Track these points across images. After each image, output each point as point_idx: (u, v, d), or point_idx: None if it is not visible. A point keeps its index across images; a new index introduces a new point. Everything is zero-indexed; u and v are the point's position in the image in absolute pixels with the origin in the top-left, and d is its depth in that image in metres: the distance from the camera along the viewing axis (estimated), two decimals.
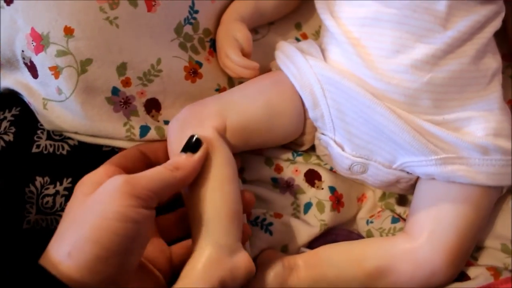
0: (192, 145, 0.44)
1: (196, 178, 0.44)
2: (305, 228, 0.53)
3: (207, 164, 0.44)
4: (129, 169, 0.45)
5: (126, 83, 0.50)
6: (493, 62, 0.50)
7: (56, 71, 0.48)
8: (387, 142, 0.48)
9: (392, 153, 0.49)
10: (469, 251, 0.49)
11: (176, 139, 0.47)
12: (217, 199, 0.43)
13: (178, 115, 0.49)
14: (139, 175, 0.40)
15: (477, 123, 0.47)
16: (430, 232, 0.47)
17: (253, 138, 0.51)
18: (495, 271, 0.48)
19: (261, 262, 0.49)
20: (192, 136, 0.44)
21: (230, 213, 0.43)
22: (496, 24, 0.50)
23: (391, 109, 0.47)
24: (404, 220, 0.54)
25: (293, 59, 0.51)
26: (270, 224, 0.53)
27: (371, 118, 0.47)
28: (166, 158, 0.49)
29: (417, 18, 0.47)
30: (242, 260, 0.42)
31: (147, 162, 0.49)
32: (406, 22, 0.47)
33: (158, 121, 0.52)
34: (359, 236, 0.55)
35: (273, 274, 0.47)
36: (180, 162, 0.42)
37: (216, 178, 0.44)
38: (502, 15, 0.51)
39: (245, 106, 0.49)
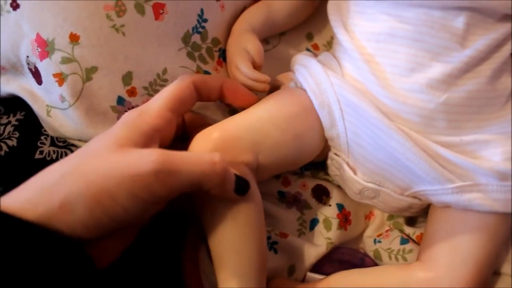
0: (242, 188, 0.40)
1: (228, 225, 0.41)
2: (312, 249, 0.51)
3: (241, 210, 0.41)
4: (180, 112, 0.43)
5: (132, 92, 0.49)
6: (510, 82, 0.49)
7: (60, 78, 0.47)
8: (402, 170, 0.47)
9: (405, 180, 0.47)
10: (487, 279, 0.47)
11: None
12: (251, 249, 0.42)
13: (199, 143, 0.44)
14: (180, 164, 0.36)
15: (494, 147, 0.46)
16: (448, 263, 0.45)
17: (279, 170, 0.50)
18: None
19: None
20: (247, 185, 0.41)
21: (261, 261, 0.42)
22: None
23: (407, 135, 0.45)
24: (414, 241, 0.52)
25: (314, 74, 0.49)
26: (275, 243, 0.51)
27: (387, 145, 0.45)
28: (218, 93, 0.46)
29: (433, 35, 0.46)
30: None
31: (198, 98, 0.45)
32: (422, 39, 0.46)
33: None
34: (364, 255, 0.54)
35: None
36: (228, 174, 0.38)
37: (250, 226, 0.42)
38: None
39: (277, 140, 0.46)
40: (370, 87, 0.47)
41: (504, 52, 0.48)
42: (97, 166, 0.35)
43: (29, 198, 0.34)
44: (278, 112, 0.47)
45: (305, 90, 0.49)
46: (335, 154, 0.50)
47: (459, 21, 0.45)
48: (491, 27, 0.47)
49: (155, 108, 0.40)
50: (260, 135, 0.45)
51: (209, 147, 0.43)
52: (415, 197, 0.48)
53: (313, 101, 0.48)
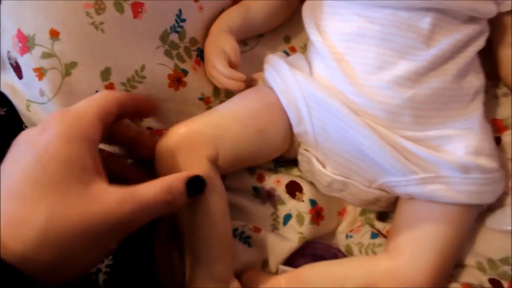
0: (196, 190, 0.42)
1: (192, 212, 0.45)
2: (284, 243, 0.52)
3: (203, 198, 0.45)
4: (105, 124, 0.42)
5: (110, 88, 0.50)
6: (476, 80, 0.51)
7: (40, 72, 0.48)
8: (368, 162, 0.48)
9: (372, 173, 0.49)
10: (449, 269, 0.48)
11: (167, 167, 0.46)
12: (214, 234, 0.45)
13: (167, 138, 0.47)
14: (139, 190, 0.38)
15: (458, 141, 0.47)
16: (411, 251, 0.47)
17: (243, 163, 0.52)
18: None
19: (244, 283, 0.49)
20: (203, 183, 0.43)
21: (224, 247, 0.46)
22: (480, 43, 0.51)
23: (373, 129, 0.47)
24: (384, 235, 0.54)
25: (281, 73, 0.51)
26: (249, 237, 0.52)
27: (354, 138, 0.47)
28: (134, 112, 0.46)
29: (400, 35, 0.48)
30: None
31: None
32: (390, 39, 0.48)
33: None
34: (337, 251, 0.55)
35: None
36: (179, 199, 0.40)
37: (213, 214, 0.45)
38: (486, 35, 0.51)
39: (238, 135, 0.48)
40: (339, 85, 0.49)
41: (469, 52, 0.50)
42: (75, 216, 0.35)
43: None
44: (241, 108, 0.50)
45: (272, 89, 0.51)
46: (305, 149, 0.52)
47: (425, 21, 0.47)
48: (456, 28, 0.49)
49: (89, 119, 0.39)
50: (222, 129, 0.48)
51: (174, 141, 0.46)
52: (381, 189, 0.50)
53: (281, 99, 0.50)
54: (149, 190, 0.38)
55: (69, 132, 0.37)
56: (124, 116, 0.45)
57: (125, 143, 0.46)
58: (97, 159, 0.38)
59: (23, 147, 0.37)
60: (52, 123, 0.37)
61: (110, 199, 0.36)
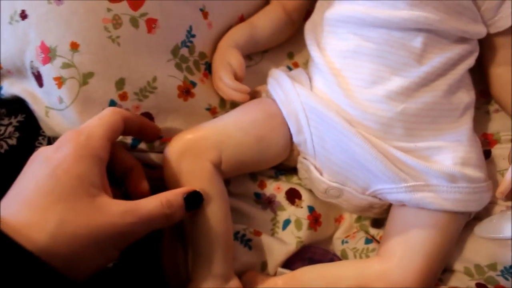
0: (194, 204, 0.47)
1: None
2: (282, 247, 0.55)
3: (206, 200, 0.49)
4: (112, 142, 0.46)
5: (123, 97, 0.54)
6: (466, 97, 0.54)
7: (60, 81, 0.52)
8: (362, 170, 0.51)
9: (365, 180, 0.52)
10: (437, 273, 0.51)
11: (173, 171, 0.50)
12: (216, 235, 0.49)
13: (174, 143, 0.51)
14: (141, 204, 0.42)
15: (446, 152, 0.50)
16: (401, 255, 0.49)
17: (245, 168, 0.55)
18: None
19: (244, 283, 0.52)
20: (200, 198, 0.47)
21: (225, 247, 0.49)
22: (470, 62, 0.54)
23: (366, 139, 0.50)
24: (377, 241, 0.56)
25: (283, 86, 0.55)
26: (250, 240, 0.55)
27: (348, 147, 0.50)
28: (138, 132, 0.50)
29: (394, 53, 0.51)
30: (235, 286, 0.50)
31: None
32: (384, 56, 0.51)
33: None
34: (334, 256, 0.57)
35: None
36: (177, 213, 0.44)
37: (215, 215, 0.49)
38: (476, 54, 0.55)
39: (240, 141, 0.52)
40: (336, 98, 0.52)
41: (459, 70, 0.53)
42: (82, 225, 0.38)
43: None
44: (243, 117, 0.54)
45: (274, 100, 0.55)
46: (304, 158, 0.55)
47: (417, 41, 0.51)
48: (446, 48, 0.52)
49: (99, 139, 0.43)
50: (225, 136, 0.52)
51: (180, 146, 0.50)
52: (374, 196, 0.53)
53: (282, 110, 0.54)
54: (149, 204, 0.42)
55: (80, 151, 0.41)
56: (129, 134, 0.50)
57: (121, 171, 0.49)
58: (104, 176, 0.42)
59: (38, 162, 0.41)
60: (66, 142, 0.42)
61: (114, 211, 0.40)
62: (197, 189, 0.46)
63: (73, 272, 0.37)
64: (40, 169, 0.40)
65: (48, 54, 0.52)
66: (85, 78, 0.52)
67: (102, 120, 0.45)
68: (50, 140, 0.57)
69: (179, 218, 0.45)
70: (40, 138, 0.58)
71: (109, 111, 0.46)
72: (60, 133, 0.54)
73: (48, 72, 0.52)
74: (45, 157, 0.41)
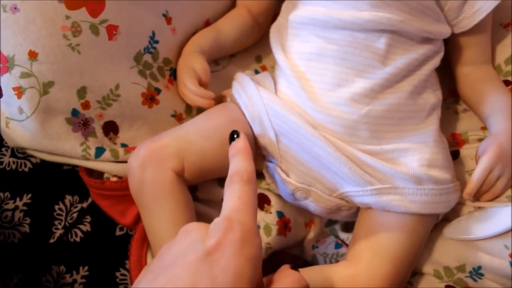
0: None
1: (159, 222, 0.49)
2: None
3: (169, 208, 0.49)
4: None
5: (86, 105, 0.53)
6: (432, 97, 0.53)
7: (19, 91, 0.51)
8: (327, 172, 0.51)
9: (332, 182, 0.51)
10: (406, 277, 0.50)
11: (137, 180, 0.50)
12: None
13: (136, 153, 0.51)
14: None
15: (412, 154, 0.50)
16: (368, 260, 0.49)
17: (209, 174, 0.55)
18: None
19: None
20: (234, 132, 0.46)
21: None
22: (435, 62, 0.54)
23: (330, 142, 0.49)
24: (347, 245, 0.56)
25: (247, 90, 0.54)
26: None
27: (312, 150, 0.50)
28: None
29: (357, 54, 0.50)
30: None
31: None
32: (347, 58, 0.51)
33: (115, 144, 0.55)
34: (304, 262, 0.57)
35: None
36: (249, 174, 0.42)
37: (178, 223, 0.48)
38: (441, 54, 0.54)
39: (202, 147, 0.51)
40: (299, 101, 0.51)
41: (425, 70, 0.53)
42: None
43: None
44: (205, 123, 0.53)
45: (238, 104, 0.54)
46: (269, 161, 0.54)
47: (381, 42, 0.51)
48: (410, 48, 0.52)
49: (251, 229, 0.39)
50: (186, 142, 0.51)
51: (142, 155, 0.50)
52: (342, 199, 0.52)
53: (246, 114, 0.53)
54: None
55: (243, 254, 0.37)
56: None
57: None
58: (260, 275, 0.39)
59: (193, 248, 0.37)
60: (225, 239, 0.37)
61: None
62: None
63: None
64: (194, 255, 0.36)
65: (6, 63, 0.50)
66: (46, 88, 0.51)
67: (243, 200, 0.40)
68: (14, 151, 0.56)
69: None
70: (3, 149, 0.57)
71: (242, 182, 0.42)
72: (21, 145, 0.53)
73: (7, 82, 0.51)
74: (205, 253, 0.36)
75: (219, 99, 0.58)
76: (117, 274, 0.55)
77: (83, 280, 0.55)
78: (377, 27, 0.50)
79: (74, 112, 0.53)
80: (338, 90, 0.50)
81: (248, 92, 0.54)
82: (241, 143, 0.45)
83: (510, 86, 0.58)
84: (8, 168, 0.56)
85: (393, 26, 0.50)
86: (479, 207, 0.52)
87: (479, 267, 0.49)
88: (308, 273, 0.51)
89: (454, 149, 0.56)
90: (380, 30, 0.50)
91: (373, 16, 0.49)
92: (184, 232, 0.39)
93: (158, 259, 0.38)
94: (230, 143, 0.46)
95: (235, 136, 0.46)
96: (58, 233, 0.56)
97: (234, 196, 0.41)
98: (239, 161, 0.43)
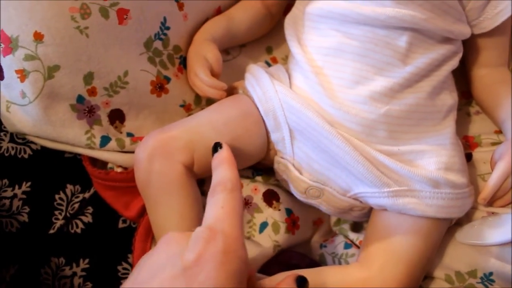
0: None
1: (166, 215, 0.47)
2: (259, 251, 0.53)
3: (176, 202, 0.47)
4: None
5: (92, 92, 0.51)
6: (449, 99, 0.52)
7: (22, 74, 0.48)
8: (343, 172, 0.50)
9: (347, 182, 0.50)
10: (419, 280, 0.50)
11: (144, 172, 0.48)
12: None
13: (145, 143, 0.49)
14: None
15: (430, 156, 0.49)
16: (382, 263, 0.48)
17: None
18: None
19: None
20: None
21: None
22: (453, 63, 0.53)
23: (348, 141, 0.48)
24: (357, 246, 0.55)
25: (261, 83, 0.53)
26: None
27: (328, 148, 0.48)
28: None
29: (378, 52, 0.49)
30: None
31: None
32: (367, 55, 0.49)
33: (121, 133, 0.53)
34: (311, 260, 0.56)
35: None
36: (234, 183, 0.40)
37: (185, 217, 0.47)
38: (460, 55, 0.53)
39: (212, 141, 0.48)
40: (316, 97, 0.50)
41: (443, 71, 0.52)
42: None
43: None
44: (217, 116, 0.51)
45: (251, 97, 0.53)
46: (281, 157, 0.53)
47: (402, 40, 0.49)
48: (431, 48, 0.51)
49: (236, 240, 0.37)
50: (197, 135, 0.49)
51: (151, 146, 0.48)
52: (356, 199, 0.51)
53: (259, 107, 0.52)
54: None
55: (224, 268, 0.35)
56: None
57: None
58: (245, 280, 0.37)
59: (171, 262, 0.35)
60: (206, 253, 0.35)
61: None
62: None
63: None
64: (171, 272, 0.34)
65: (9, 44, 0.48)
66: (51, 72, 0.49)
67: (226, 209, 0.38)
68: (13, 136, 0.54)
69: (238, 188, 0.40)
70: (1, 134, 0.54)
71: (226, 192, 0.39)
72: (23, 130, 0.51)
73: (9, 64, 0.49)
74: (183, 268, 0.34)
75: (230, 91, 0.56)
76: (119, 268, 0.54)
77: (83, 273, 0.53)
78: (400, 24, 0.48)
79: (80, 99, 0.50)
80: (357, 88, 0.49)
81: (262, 85, 0.52)
82: (224, 153, 0.43)
83: None
84: (6, 154, 0.54)
85: (416, 24, 0.48)
86: (492, 213, 0.51)
87: (491, 273, 0.48)
88: (320, 274, 0.50)
89: (466, 152, 0.56)
90: (402, 27, 0.49)
91: (396, 12, 0.48)
92: (164, 243, 0.37)
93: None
94: (213, 154, 0.44)
95: (218, 147, 0.44)
96: (58, 223, 0.54)
97: (217, 205, 0.39)
98: (222, 171, 0.41)
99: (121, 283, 0.52)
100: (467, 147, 0.58)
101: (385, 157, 0.48)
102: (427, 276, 0.52)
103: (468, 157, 0.56)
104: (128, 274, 0.54)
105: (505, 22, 0.54)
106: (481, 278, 0.49)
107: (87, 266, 0.53)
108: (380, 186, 0.48)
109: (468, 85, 0.60)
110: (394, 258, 0.47)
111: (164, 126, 0.51)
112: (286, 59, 0.64)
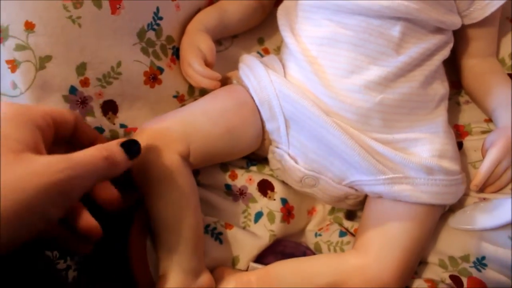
0: (132, 150, 0.42)
1: (163, 206, 0.47)
2: (255, 240, 0.54)
3: (174, 192, 0.47)
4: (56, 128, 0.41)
5: (85, 83, 0.50)
6: (441, 88, 0.53)
7: (13, 64, 0.47)
8: (339, 160, 0.50)
9: (343, 170, 0.51)
10: (414, 266, 0.51)
11: (140, 162, 0.46)
12: (184, 228, 0.46)
13: (140, 134, 0.48)
14: (75, 153, 0.37)
15: (423, 144, 0.50)
16: (378, 249, 0.49)
17: (214, 159, 0.53)
18: (432, 283, 0.51)
19: (215, 280, 0.50)
20: (136, 143, 0.42)
21: (195, 240, 0.47)
22: (445, 53, 0.54)
23: (343, 129, 0.48)
24: (352, 234, 0.55)
25: (256, 72, 0.53)
26: (220, 233, 0.53)
27: (324, 137, 0.49)
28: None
29: (372, 41, 0.50)
30: (206, 280, 0.48)
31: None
32: (362, 45, 0.50)
33: (114, 124, 0.52)
34: (306, 249, 0.56)
35: None
36: (117, 156, 0.40)
37: (182, 207, 0.47)
38: (451, 45, 0.54)
39: (208, 132, 0.50)
40: (311, 86, 0.50)
41: (435, 61, 0.53)
42: (5, 181, 0.34)
43: None
44: (212, 106, 0.51)
45: (245, 87, 0.53)
46: (276, 147, 0.53)
47: (395, 30, 0.50)
48: (423, 38, 0.51)
49: (40, 109, 0.39)
50: (192, 126, 0.49)
51: (146, 137, 0.47)
52: (351, 187, 0.52)
53: (254, 97, 0.52)
54: (86, 151, 0.38)
55: (11, 112, 0.37)
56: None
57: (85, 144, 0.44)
58: (38, 142, 0.38)
59: None
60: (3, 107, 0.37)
61: (40, 161, 0.35)
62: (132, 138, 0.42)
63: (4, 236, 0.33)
64: None
65: None
66: (42, 62, 0.48)
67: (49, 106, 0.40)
68: None
69: (121, 164, 0.40)
70: None
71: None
72: None
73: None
74: None
75: (224, 81, 0.56)
76: (114, 261, 0.53)
77: (78, 267, 0.53)
78: (393, 14, 0.49)
79: (72, 90, 0.50)
80: (352, 77, 0.49)
81: (257, 74, 0.52)
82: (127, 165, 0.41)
83: None
84: None
85: (409, 14, 0.49)
86: (484, 198, 0.52)
87: (483, 257, 0.49)
88: (315, 262, 0.51)
89: (457, 141, 0.56)
90: (396, 17, 0.50)
91: (390, 3, 0.48)
92: None
93: None
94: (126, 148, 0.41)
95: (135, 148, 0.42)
96: None
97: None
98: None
99: (115, 276, 0.52)
100: (458, 135, 0.59)
101: (380, 145, 0.48)
102: (421, 261, 0.53)
103: (459, 145, 0.57)
104: (123, 267, 0.53)
105: (494, 13, 0.55)
106: (474, 262, 0.50)
107: (82, 259, 0.53)
108: (375, 174, 0.48)
109: (457, 75, 0.61)
110: (390, 244, 0.48)
111: (157, 117, 0.51)
112: (278, 50, 0.64)
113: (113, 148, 0.40)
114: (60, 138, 0.42)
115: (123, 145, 0.41)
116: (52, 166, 0.35)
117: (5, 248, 0.34)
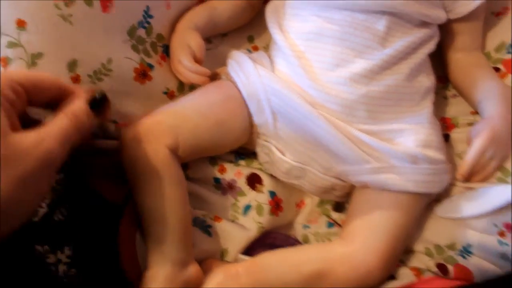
0: (97, 102, 0.42)
1: (152, 198, 0.48)
2: (244, 233, 0.54)
3: (162, 185, 0.47)
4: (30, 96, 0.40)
5: (76, 79, 0.51)
6: (427, 81, 0.54)
7: (5, 62, 0.48)
8: (325, 151, 0.51)
9: (329, 161, 0.52)
10: (399, 253, 0.51)
11: (130, 156, 0.48)
12: (171, 220, 0.47)
13: (129, 128, 0.49)
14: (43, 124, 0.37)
15: (408, 134, 0.51)
16: (364, 237, 0.49)
17: (203, 152, 0.54)
18: (418, 271, 0.51)
19: (203, 272, 0.50)
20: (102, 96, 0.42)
21: (183, 232, 0.48)
22: (430, 46, 0.54)
23: (329, 121, 0.49)
24: (339, 225, 0.56)
25: (244, 68, 0.54)
26: (209, 226, 0.54)
27: (311, 129, 0.50)
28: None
29: (357, 35, 0.51)
30: (194, 271, 0.48)
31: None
32: (347, 39, 0.51)
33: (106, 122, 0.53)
34: (295, 241, 0.57)
35: (215, 283, 0.48)
36: (81, 115, 0.40)
37: (170, 199, 0.47)
38: (436, 39, 0.55)
39: (197, 125, 0.51)
40: (298, 80, 0.51)
41: (420, 54, 0.54)
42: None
43: None
44: (201, 100, 0.53)
45: (234, 82, 0.54)
46: (265, 140, 0.54)
47: (381, 24, 0.51)
48: (409, 31, 0.52)
49: (7, 77, 0.38)
50: (181, 120, 0.50)
51: (136, 131, 0.48)
52: (337, 178, 0.53)
53: (242, 92, 0.53)
54: (53, 123, 0.38)
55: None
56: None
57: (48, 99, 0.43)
58: (12, 116, 0.37)
59: None
60: None
61: (25, 143, 0.35)
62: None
63: None
64: None
65: None
66: (34, 59, 0.49)
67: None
68: None
69: (89, 121, 0.40)
70: None
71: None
72: None
73: None
74: None
75: (213, 77, 0.57)
76: (104, 254, 0.54)
77: (68, 260, 0.53)
78: (378, 8, 0.50)
79: None
80: (337, 70, 0.50)
81: (245, 70, 0.53)
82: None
83: (498, 73, 0.59)
84: None
85: (394, 8, 0.50)
86: (470, 188, 0.53)
87: (469, 245, 0.50)
88: (302, 251, 0.51)
89: (444, 133, 0.57)
90: (381, 12, 0.51)
91: None
92: None
93: None
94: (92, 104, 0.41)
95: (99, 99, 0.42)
96: (41, 211, 0.54)
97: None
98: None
99: (106, 269, 0.53)
100: (445, 128, 0.60)
101: (366, 136, 0.49)
102: (407, 250, 0.53)
103: (446, 138, 0.58)
104: (114, 259, 0.54)
105: (478, 8, 0.56)
106: (460, 250, 0.50)
107: (71, 253, 0.53)
108: (361, 163, 0.49)
109: (444, 70, 0.62)
110: (376, 232, 0.49)
111: (148, 112, 0.51)
112: (267, 48, 0.64)
113: (78, 106, 0.40)
114: (38, 101, 0.41)
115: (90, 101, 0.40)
116: (22, 137, 0.35)
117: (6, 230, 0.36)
